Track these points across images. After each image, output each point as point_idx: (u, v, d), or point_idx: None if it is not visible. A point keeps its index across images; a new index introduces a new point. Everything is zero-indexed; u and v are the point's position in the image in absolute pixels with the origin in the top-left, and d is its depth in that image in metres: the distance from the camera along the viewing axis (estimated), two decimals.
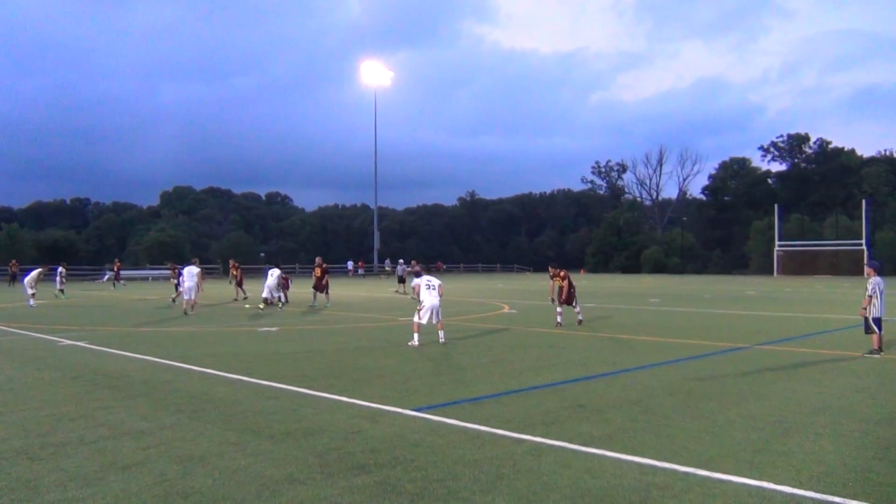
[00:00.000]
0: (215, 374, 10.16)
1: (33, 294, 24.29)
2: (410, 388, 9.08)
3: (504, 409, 7.86)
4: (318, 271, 24.82)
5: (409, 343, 13.26)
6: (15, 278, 43.64)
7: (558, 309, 17.06)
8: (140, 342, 14.08)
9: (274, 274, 23.17)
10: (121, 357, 12.02)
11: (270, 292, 22.93)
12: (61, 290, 30.67)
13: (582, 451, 6.10)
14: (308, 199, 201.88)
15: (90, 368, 10.78)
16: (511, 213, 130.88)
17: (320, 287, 24.56)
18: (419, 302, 13.82)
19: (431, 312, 13.55)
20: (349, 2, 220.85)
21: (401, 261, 30.78)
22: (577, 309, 17.38)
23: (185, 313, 20.88)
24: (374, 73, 60.60)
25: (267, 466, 5.70)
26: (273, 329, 16.69)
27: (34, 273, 25.17)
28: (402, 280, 32.43)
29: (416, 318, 13.57)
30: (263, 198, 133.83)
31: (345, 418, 7.40)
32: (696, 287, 43.37)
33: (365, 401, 8.22)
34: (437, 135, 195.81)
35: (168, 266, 34.73)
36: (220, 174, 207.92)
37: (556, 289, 17.28)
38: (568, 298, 17.03)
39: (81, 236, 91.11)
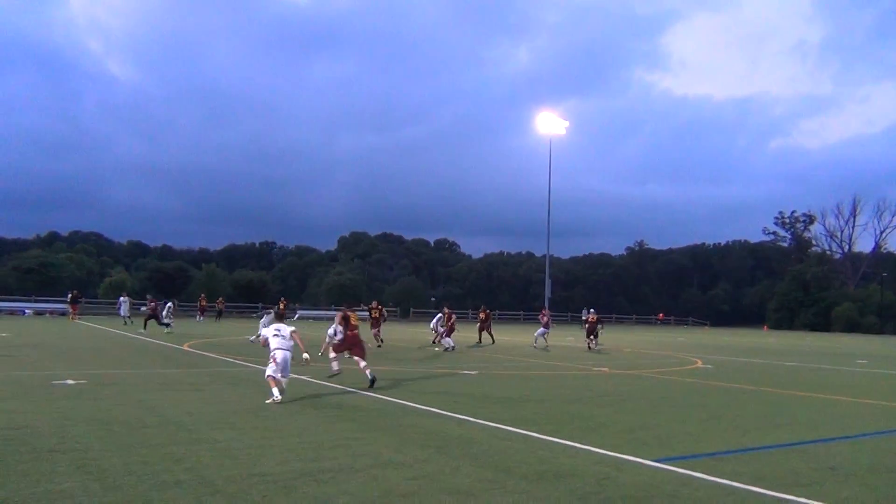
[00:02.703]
0: (440, 413, 10.59)
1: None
2: (639, 439, 9.02)
3: (747, 465, 7.63)
4: (482, 315, 30.15)
5: (268, 401, 11.18)
6: (222, 314, 47.59)
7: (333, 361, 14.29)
8: (355, 379, 14.84)
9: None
10: (345, 393, 12.78)
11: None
12: (167, 324, 30.53)
13: None
14: (475, 246, 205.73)
15: (323, 402, 11.57)
16: (682, 263, 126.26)
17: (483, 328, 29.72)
18: (269, 351, 11.91)
19: (284, 365, 11.69)
20: (518, 53, 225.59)
21: (591, 310, 30.42)
22: (363, 364, 13.88)
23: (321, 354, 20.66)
24: (549, 123, 61.32)
25: None
26: (472, 373, 17.13)
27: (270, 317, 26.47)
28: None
29: (269, 372, 11.57)
30: (432, 244, 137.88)
31: (587, 464, 7.49)
32: None
33: (598, 448, 8.27)
34: (603, 182, 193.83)
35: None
36: (392, 220, 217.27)
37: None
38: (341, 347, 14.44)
39: (269, 276, 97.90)
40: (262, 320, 23.89)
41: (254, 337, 25.17)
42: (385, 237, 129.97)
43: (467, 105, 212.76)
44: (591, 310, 30.15)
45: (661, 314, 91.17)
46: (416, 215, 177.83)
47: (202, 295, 49.35)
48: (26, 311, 47.75)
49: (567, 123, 62.53)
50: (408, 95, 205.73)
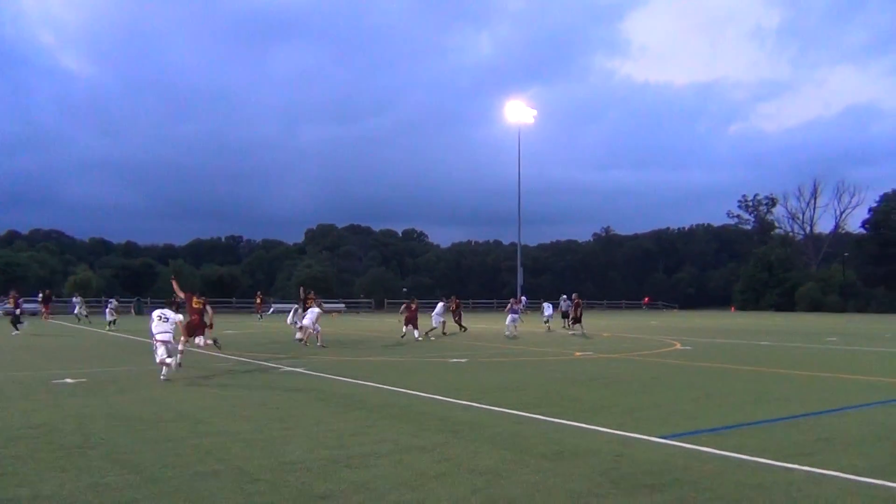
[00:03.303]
0: (444, 400, 10.89)
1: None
2: (640, 418, 9.41)
3: (748, 439, 8.06)
4: (453, 305, 29.73)
5: (161, 378, 12.75)
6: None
7: None
8: (352, 369, 15.12)
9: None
10: (346, 383, 13.02)
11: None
12: (113, 322, 31.78)
13: (862, 482, 6.25)
14: (443, 236, 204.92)
15: (328, 392, 11.80)
16: (647, 248, 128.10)
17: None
18: (151, 335, 13.29)
19: (165, 347, 12.96)
20: (480, 41, 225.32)
21: (563, 296, 31.44)
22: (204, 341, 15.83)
23: (305, 344, 21.32)
24: (517, 111, 61.76)
25: (561, 481, 6.23)
26: (462, 360, 17.47)
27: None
28: (565, 315, 33.02)
29: (158, 357, 13.01)
30: (400, 234, 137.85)
31: (599, 443, 7.85)
32: (867, 326, 40.92)
33: (605, 428, 8.64)
34: (568, 169, 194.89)
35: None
36: (359, 211, 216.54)
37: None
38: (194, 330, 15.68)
39: (238, 271, 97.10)
40: (290, 315, 23.02)
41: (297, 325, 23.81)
42: (353, 229, 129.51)
43: (431, 95, 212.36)
44: (566, 297, 30.71)
45: (646, 298, 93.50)
46: (383, 206, 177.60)
47: None
48: None
49: (535, 112, 63.12)
50: (369, 86, 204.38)
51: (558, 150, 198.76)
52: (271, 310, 49.57)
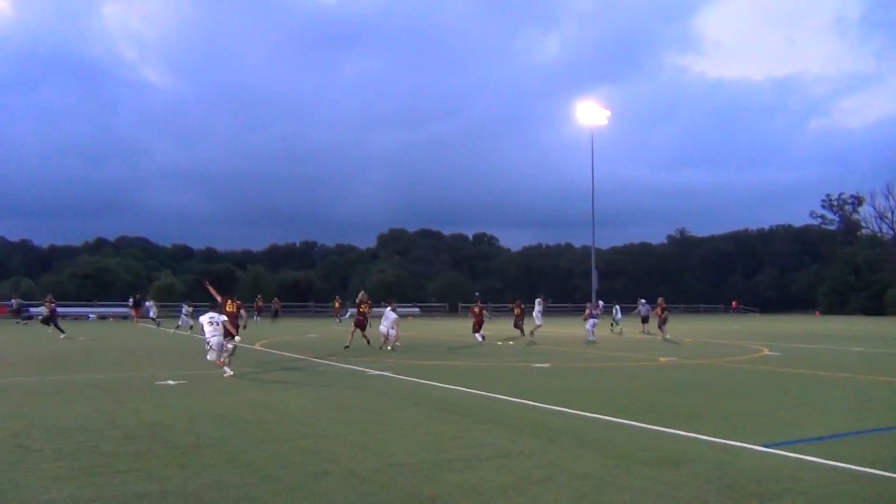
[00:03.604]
0: (535, 405, 10.93)
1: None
2: (739, 425, 9.26)
3: (856, 449, 7.85)
4: (517, 310, 28.40)
5: (225, 376, 14.07)
6: (278, 314, 48.64)
7: None
8: (439, 373, 15.29)
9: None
10: (435, 386, 13.20)
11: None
12: (189, 327, 30.91)
13: None
14: (513, 239, 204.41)
15: (420, 395, 12.01)
16: (724, 250, 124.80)
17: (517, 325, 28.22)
18: (204, 337, 14.63)
19: (219, 348, 14.39)
20: (548, 42, 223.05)
21: (641, 300, 31.15)
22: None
23: (380, 348, 21.48)
24: (590, 112, 61.06)
25: (667, 488, 6.21)
26: (545, 365, 17.46)
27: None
28: (645, 320, 32.57)
29: (210, 357, 14.53)
30: (471, 238, 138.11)
31: (700, 450, 7.77)
32: None
33: (703, 435, 8.53)
34: (639, 170, 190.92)
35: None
36: (429, 216, 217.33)
37: None
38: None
39: (313, 275, 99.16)
40: (388, 321, 22.46)
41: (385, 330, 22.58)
42: (424, 233, 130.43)
43: (499, 97, 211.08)
44: (644, 301, 30.31)
45: (734, 302, 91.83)
46: (453, 210, 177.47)
47: (258, 296, 50.61)
48: (90, 315, 49.39)
49: (609, 113, 62.24)
50: (437, 90, 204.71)
51: (629, 150, 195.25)
52: (348, 314, 50.46)
